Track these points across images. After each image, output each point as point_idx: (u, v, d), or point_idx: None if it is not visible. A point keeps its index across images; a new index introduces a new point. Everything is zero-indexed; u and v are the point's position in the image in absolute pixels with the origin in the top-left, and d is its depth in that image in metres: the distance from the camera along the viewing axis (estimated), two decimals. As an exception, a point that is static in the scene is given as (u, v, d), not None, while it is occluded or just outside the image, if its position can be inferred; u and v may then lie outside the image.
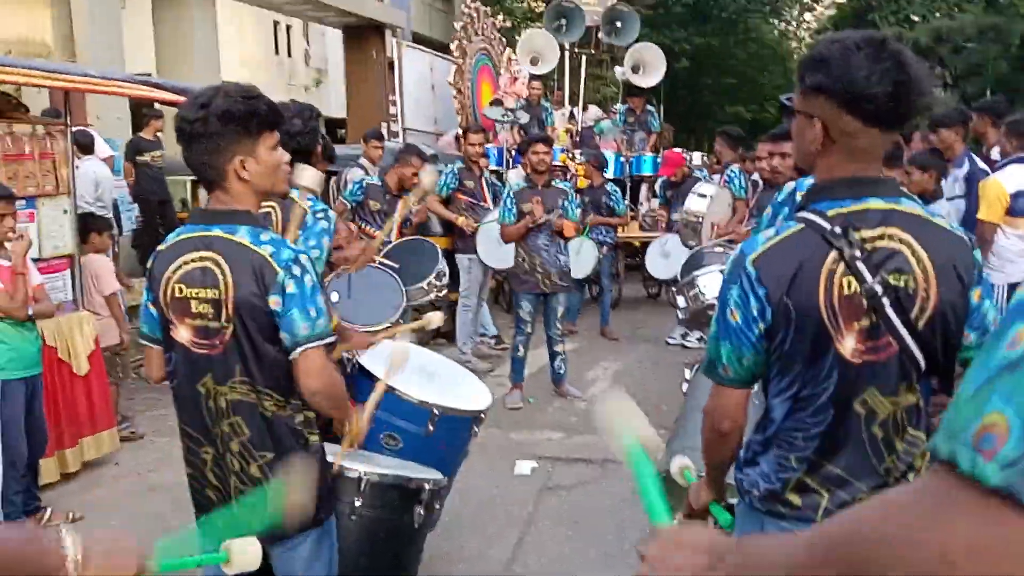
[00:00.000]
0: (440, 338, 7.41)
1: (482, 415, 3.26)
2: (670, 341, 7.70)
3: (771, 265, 1.67)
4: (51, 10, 9.43)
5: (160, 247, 2.13)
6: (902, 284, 1.62)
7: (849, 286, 1.62)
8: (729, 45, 21.72)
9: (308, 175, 2.58)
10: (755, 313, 1.67)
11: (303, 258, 2.02)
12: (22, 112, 5.19)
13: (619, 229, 8.65)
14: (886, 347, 1.64)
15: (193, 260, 2.03)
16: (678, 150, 8.93)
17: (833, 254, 1.62)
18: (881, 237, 1.63)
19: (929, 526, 0.65)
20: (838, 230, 1.62)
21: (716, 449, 1.86)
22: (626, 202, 9.59)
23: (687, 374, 3.72)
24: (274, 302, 1.98)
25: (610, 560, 3.74)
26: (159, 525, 4.04)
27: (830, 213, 1.65)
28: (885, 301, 1.60)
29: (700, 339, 7.42)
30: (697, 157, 10.20)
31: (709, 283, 5.11)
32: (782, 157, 4.48)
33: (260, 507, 1.53)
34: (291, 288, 1.97)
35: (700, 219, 5.56)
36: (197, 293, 2.02)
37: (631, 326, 8.49)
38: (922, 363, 1.65)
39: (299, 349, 1.98)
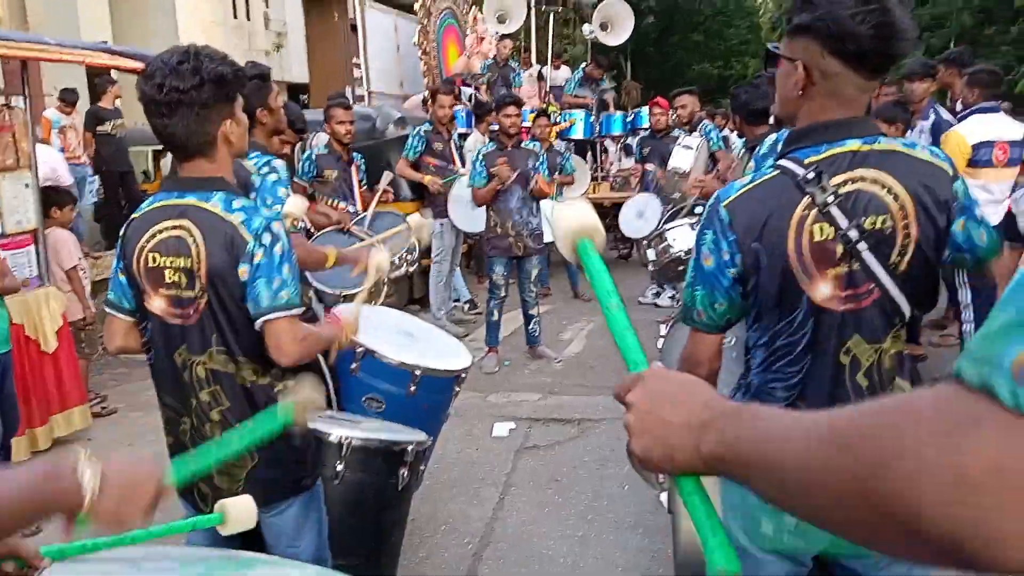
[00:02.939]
0: (414, 304, 7.39)
1: (463, 375, 3.28)
2: (642, 300, 7.76)
3: (743, 210, 1.68)
4: (-1, -23, 9.10)
5: (134, 215, 2.10)
6: (879, 226, 1.61)
7: (821, 232, 1.62)
8: (695, 2, 21.57)
9: (295, 202, 2.77)
10: (726, 258, 1.69)
11: (275, 225, 1.99)
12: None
13: (591, 189, 8.70)
14: (868, 294, 1.64)
15: (166, 229, 2.00)
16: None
17: (805, 200, 1.62)
18: (856, 180, 1.62)
19: (954, 443, 0.59)
20: (811, 175, 1.62)
21: None
22: (593, 163, 9.59)
23: (662, 330, 3.77)
24: (243, 271, 1.95)
25: (589, 518, 3.80)
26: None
27: (806, 160, 1.65)
28: (863, 246, 1.60)
29: (672, 298, 7.51)
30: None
31: (679, 236, 5.17)
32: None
33: (271, 417, 1.53)
34: (259, 257, 1.95)
35: (687, 172, 5.60)
36: (171, 262, 1.99)
37: (603, 286, 8.51)
38: (905, 310, 1.66)
39: (261, 319, 1.95)
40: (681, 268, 5.12)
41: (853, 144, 1.64)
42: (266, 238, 1.96)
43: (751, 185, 1.71)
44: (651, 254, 5.42)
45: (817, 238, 1.62)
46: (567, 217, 1.13)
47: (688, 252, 4.99)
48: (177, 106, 1.91)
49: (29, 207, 4.94)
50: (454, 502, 3.97)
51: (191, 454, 1.41)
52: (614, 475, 4.21)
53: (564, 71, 11.73)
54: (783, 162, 1.69)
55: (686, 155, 5.83)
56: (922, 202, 1.62)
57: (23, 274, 4.73)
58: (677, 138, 7.69)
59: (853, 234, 1.60)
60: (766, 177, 1.70)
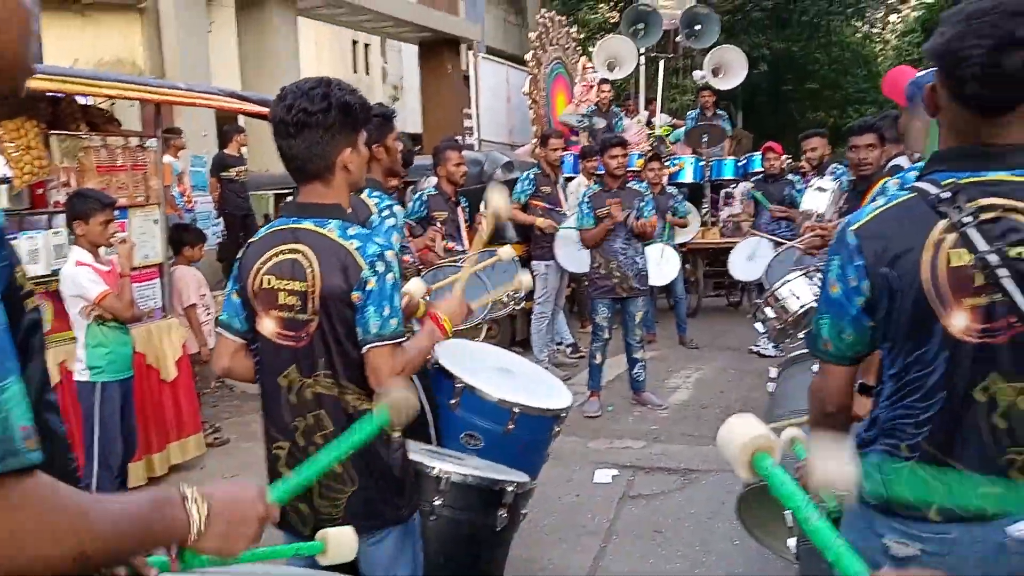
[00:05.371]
0: (516, 346, 7.35)
1: (562, 414, 3.19)
2: (753, 349, 7.47)
3: (872, 234, 1.56)
4: (142, 31, 9.83)
5: (252, 239, 2.15)
6: None
7: (959, 257, 1.49)
8: (810, 50, 21.07)
9: (415, 284, 2.79)
10: (853, 285, 1.58)
11: (388, 254, 2.01)
12: (114, 126, 5.39)
13: (700, 234, 8.57)
14: (1007, 328, 1.48)
15: (283, 252, 2.03)
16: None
17: (942, 223, 1.50)
18: (1005, 208, 1.48)
19: None
20: (945, 195, 1.50)
21: (823, 429, 1.75)
22: (708, 208, 9.39)
23: (772, 372, 3.59)
24: (356, 297, 1.97)
25: (696, 572, 3.60)
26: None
27: (944, 182, 1.53)
28: (1003, 273, 1.46)
29: (776, 347, 7.19)
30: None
31: (798, 290, 4.93)
32: (868, 148, 4.38)
33: (367, 421, 1.51)
34: (371, 284, 1.96)
35: (821, 216, 5.42)
36: (285, 285, 2.02)
37: (711, 335, 8.28)
38: None
39: (367, 346, 1.96)
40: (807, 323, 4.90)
41: (1003, 175, 1.50)
42: (380, 266, 1.97)
43: (883, 208, 1.59)
44: (770, 312, 5.21)
45: (954, 263, 1.49)
46: (737, 432, 1.08)
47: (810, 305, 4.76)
48: (303, 127, 1.97)
49: (156, 241, 5.21)
50: (555, 548, 3.84)
51: (290, 474, 1.39)
52: (722, 529, 3.98)
53: (663, 117, 11.64)
54: (919, 183, 1.57)
55: (820, 197, 5.63)
56: None
57: (148, 306, 4.96)
58: (791, 182, 7.50)
59: (993, 259, 1.46)
60: (900, 199, 1.58)
